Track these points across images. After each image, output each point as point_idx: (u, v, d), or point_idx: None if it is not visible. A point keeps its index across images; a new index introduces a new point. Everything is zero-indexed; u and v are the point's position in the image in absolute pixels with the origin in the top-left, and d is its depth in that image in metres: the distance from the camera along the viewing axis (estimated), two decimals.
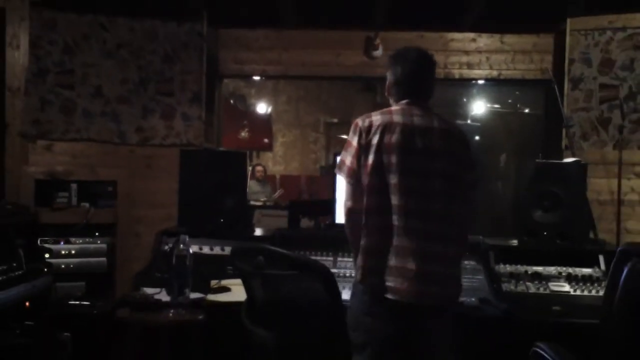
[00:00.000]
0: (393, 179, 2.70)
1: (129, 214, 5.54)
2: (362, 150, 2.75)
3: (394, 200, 2.68)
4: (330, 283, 2.54)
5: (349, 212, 2.79)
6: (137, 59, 5.78)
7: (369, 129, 2.76)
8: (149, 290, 3.38)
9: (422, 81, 2.88)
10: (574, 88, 5.92)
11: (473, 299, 3.28)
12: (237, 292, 3.22)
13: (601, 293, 3.31)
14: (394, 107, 2.84)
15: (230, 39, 6.69)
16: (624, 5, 5.79)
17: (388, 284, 2.63)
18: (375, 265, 2.67)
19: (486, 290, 3.48)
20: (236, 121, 11.31)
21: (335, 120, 12.22)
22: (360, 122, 2.81)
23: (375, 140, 2.73)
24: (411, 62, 2.85)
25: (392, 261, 2.65)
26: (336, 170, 2.91)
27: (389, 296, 2.62)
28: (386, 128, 2.74)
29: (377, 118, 2.78)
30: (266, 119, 11.99)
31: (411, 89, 2.84)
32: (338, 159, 2.95)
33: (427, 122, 2.77)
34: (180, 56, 5.87)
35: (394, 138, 2.72)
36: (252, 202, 8.29)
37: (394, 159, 2.71)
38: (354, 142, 2.79)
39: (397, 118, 2.77)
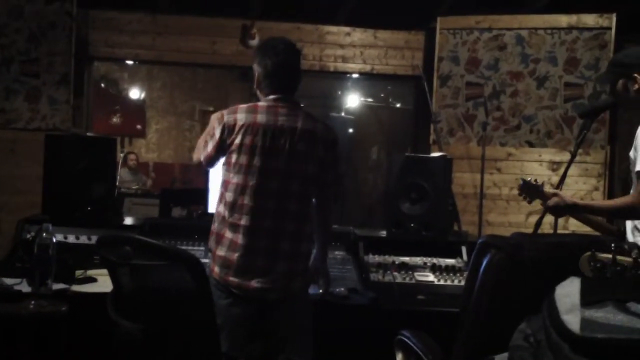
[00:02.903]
0: (252, 180, 2.78)
1: None
2: (225, 147, 2.84)
3: (247, 200, 2.78)
4: (198, 272, 2.52)
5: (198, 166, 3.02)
6: (0, 37, 5.48)
7: (232, 127, 2.81)
8: (8, 281, 3.23)
9: (291, 74, 2.91)
10: (442, 85, 6.15)
11: (342, 289, 3.34)
12: (103, 282, 3.13)
13: (463, 283, 3.46)
14: (261, 104, 2.87)
15: (101, 21, 6.46)
16: (491, 7, 6.07)
17: (233, 278, 2.77)
18: (225, 258, 2.78)
19: (355, 280, 3.56)
20: (108, 106, 10.94)
21: (211, 108, 12.04)
22: (226, 116, 2.85)
23: (237, 140, 2.80)
24: (280, 54, 2.87)
25: (241, 258, 2.77)
26: (195, 153, 3.02)
27: (234, 290, 2.77)
28: (248, 129, 2.79)
29: (241, 117, 2.82)
30: (139, 105, 11.69)
31: (281, 83, 2.87)
32: (200, 141, 3.02)
33: (291, 123, 2.82)
34: (47, 36, 5.62)
35: (256, 140, 2.79)
36: (122, 190, 8.07)
37: (254, 160, 2.79)
38: (217, 134, 2.85)
39: (260, 118, 2.81)
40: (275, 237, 2.79)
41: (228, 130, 2.82)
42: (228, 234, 2.80)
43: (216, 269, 2.80)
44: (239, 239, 2.77)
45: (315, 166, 2.86)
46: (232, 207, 2.80)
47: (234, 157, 2.80)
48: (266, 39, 3.01)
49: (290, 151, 2.80)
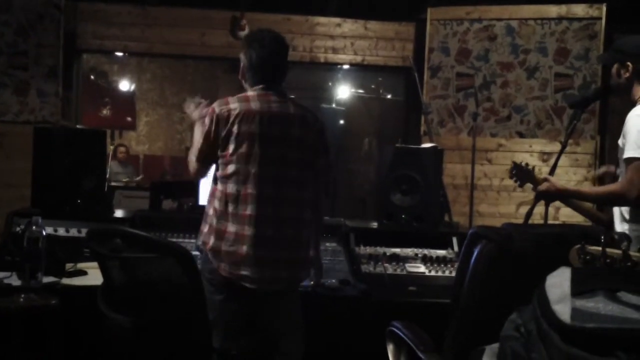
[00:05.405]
0: (252, 168, 2.76)
1: None
2: (222, 139, 2.79)
3: (250, 189, 2.76)
4: (189, 265, 2.51)
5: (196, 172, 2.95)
6: None
7: (227, 118, 2.78)
8: None
9: (276, 66, 2.91)
10: (433, 76, 6.15)
11: (333, 280, 3.34)
12: (93, 275, 3.12)
13: (454, 273, 3.46)
14: (251, 93, 2.86)
15: (90, 13, 6.42)
16: None
17: (245, 272, 2.73)
18: (233, 253, 2.74)
19: (346, 271, 3.56)
20: (97, 98, 10.89)
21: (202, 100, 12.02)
22: (217, 109, 2.82)
23: (235, 129, 2.77)
24: (266, 46, 2.88)
25: (252, 249, 2.73)
26: (190, 163, 2.97)
27: (246, 284, 2.73)
28: (244, 117, 2.77)
29: (235, 106, 2.80)
30: (129, 97, 11.63)
31: (264, 75, 2.88)
32: (193, 148, 2.97)
33: (284, 109, 2.83)
34: (35, 28, 5.58)
35: (253, 127, 2.77)
36: (113, 183, 8.04)
37: (253, 148, 2.77)
38: (212, 129, 2.81)
39: (254, 106, 2.80)
40: (278, 225, 2.77)
41: (223, 121, 2.79)
42: (231, 228, 2.76)
43: (223, 266, 2.75)
44: (246, 230, 2.74)
45: (309, 152, 2.87)
46: (236, 198, 2.76)
47: (231, 147, 2.77)
48: (254, 30, 3.02)
49: (285, 137, 2.81)
